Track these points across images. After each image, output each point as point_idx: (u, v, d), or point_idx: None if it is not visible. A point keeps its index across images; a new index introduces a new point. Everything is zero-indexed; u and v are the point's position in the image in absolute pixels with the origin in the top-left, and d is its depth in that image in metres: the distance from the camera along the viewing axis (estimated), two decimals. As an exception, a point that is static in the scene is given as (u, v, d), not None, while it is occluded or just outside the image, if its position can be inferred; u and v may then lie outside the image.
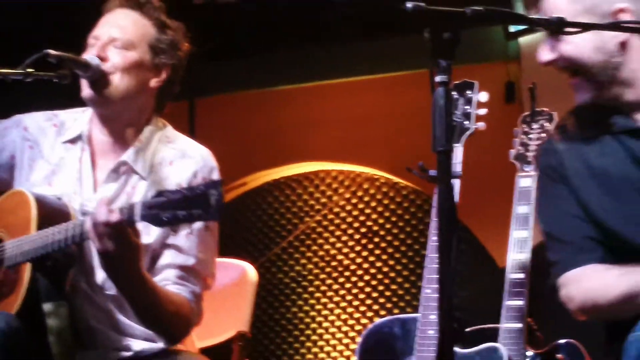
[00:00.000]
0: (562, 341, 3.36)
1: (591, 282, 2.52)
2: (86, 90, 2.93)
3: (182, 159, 3.00)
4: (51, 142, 3.06)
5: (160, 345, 2.91)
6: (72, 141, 3.04)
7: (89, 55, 2.91)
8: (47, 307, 2.80)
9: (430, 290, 3.25)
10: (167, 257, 2.91)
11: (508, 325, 3.31)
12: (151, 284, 2.77)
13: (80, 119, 3.07)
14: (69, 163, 3.01)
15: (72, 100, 3.03)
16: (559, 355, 3.36)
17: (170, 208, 2.47)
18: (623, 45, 2.48)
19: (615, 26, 2.44)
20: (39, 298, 2.80)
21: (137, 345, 2.91)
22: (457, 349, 3.13)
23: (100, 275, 2.85)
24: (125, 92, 2.94)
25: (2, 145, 3.10)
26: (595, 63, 2.49)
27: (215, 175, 3.00)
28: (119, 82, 2.93)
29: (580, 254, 2.58)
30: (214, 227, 2.98)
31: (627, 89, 2.51)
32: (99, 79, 2.91)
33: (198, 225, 2.88)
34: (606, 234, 2.55)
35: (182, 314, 2.86)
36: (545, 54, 2.55)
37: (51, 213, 2.84)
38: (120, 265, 2.65)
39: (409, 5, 2.00)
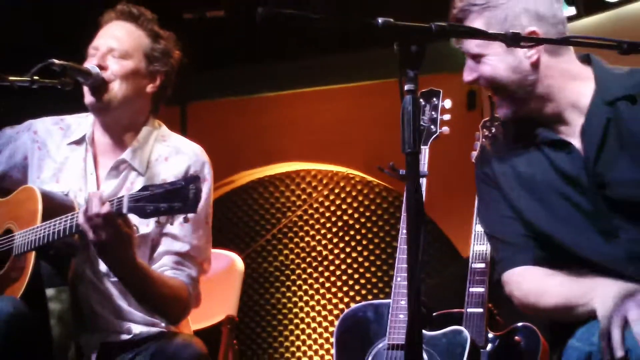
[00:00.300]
0: (519, 324, 3.37)
1: (530, 286, 2.51)
2: (88, 97, 2.92)
3: (176, 155, 3.00)
4: (57, 143, 3.05)
5: (157, 328, 2.90)
6: (77, 142, 3.03)
7: (90, 65, 2.90)
8: (49, 292, 2.80)
9: (400, 279, 3.25)
10: (164, 245, 2.90)
11: (471, 310, 3.32)
12: (147, 269, 2.76)
13: (84, 123, 3.07)
14: (74, 162, 3.01)
15: (74, 105, 3.03)
16: (516, 337, 3.37)
17: (154, 201, 2.48)
18: (536, 65, 2.46)
19: (566, 40, 2.45)
20: (42, 283, 2.80)
21: (137, 329, 2.90)
22: (425, 332, 3.13)
23: (104, 264, 2.84)
24: (124, 97, 2.93)
25: (15, 147, 3.09)
26: (512, 82, 2.47)
27: (207, 170, 3.00)
28: (117, 88, 2.92)
29: (519, 254, 2.57)
30: (208, 217, 2.97)
31: (546, 103, 2.50)
32: (99, 86, 2.90)
33: (192, 215, 2.88)
34: (537, 233, 2.55)
35: (180, 297, 2.85)
36: (467, 75, 2.55)
37: (56, 207, 2.83)
38: (113, 253, 2.65)
39: (380, 21, 2.00)
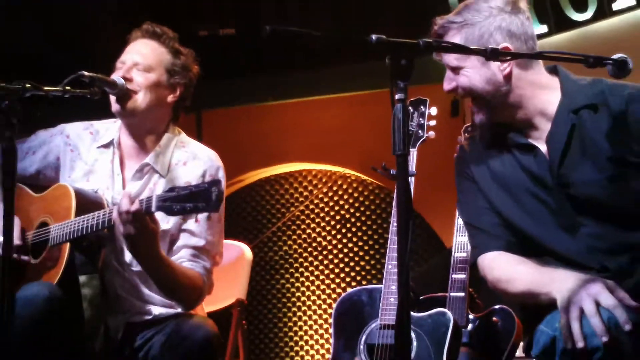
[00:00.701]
0: (497, 307, 3.36)
1: (500, 272, 2.50)
2: (114, 105, 2.93)
3: (193, 160, 2.99)
4: (87, 147, 3.06)
5: (175, 310, 2.91)
6: (105, 146, 3.03)
7: (116, 76, 2.91)
8: (82, 278, 2.81)
9: (391, 266, 3.25)
10: (182, 239, 2.91)
11: (453, 294, 3.32)
12: (167, 261, 2.77)
13: (111, 128, 3.07)
14: (102, 164, 3.01)
15: (100, 112, 3.04)
16: (494, 318, 3.36)
17: (180, 201, 2.49)
18: (509, 76, 2.45)
19: (539, 55, 2.45)
20: (76, 271, 2.81)
21: (156, 310, 2.91)
22: (413, 313, 3.14)
23: (128, 255, 2.85)
24: (147, 106, 2.93)
25: (49, 149, 3.10)
26: (487, 92, 2.47)
27: (221, 173, 3.00)
28: (141, 98, 2.92)
29: (492, 240, 2.57)
30: (220, 215, 2.98)
31: (517, 110, 2.49)
32: (124, 95, 2.91)
33: (207, 214, 2.89)
34: (509, 225, 2.55)
35: (195, 285, 2.86)
36: (446, 85, 2.54)
37: (88, 203, 2.85)
38: (140, 246, 2.66)
39: (373, 37, 2.00)
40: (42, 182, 3.08)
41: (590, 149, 2.45)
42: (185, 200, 2.48)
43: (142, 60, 2.94)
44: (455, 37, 2.48)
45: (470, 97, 2.51)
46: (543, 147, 2.50)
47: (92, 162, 3.02)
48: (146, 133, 3.00)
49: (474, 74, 2.47)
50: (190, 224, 2.89)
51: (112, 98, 2.92)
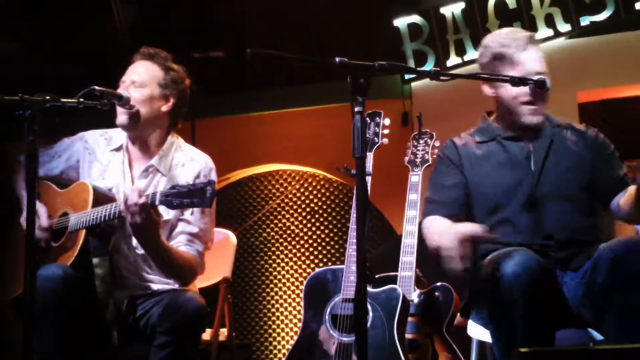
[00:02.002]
0: (438, 284, 3.38)
1: (433, 229, 2.54)
2: (119, 119, 2.94)
3: (190, 162, 2.98)
4: (102, 150, 3.05)
5: (170, 286, 2.89)
6: (117, 150, 3.02)
7: (122, 91, 2.90)
8: (95, 260, 2.79)
9: (351, 250, 3.24)
10: (180, 227, 2.90)
11: (403, 273, 3.32)
12: (167, 245, 2.76)
13: (122, 134, 3.05)
14: (115, 165, 3.00)
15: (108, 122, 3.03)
16: (436, 293, 3.38)
17: (179, 197, 2.50)
18: None
19: (473, 76, 2.47)
20: (89, 254, 2.79)
21: (155, 286, 2.90)
22: (369, 289, 3.14)
23: (134, 240, 2.84)
24: (144, 117, 2.93)
25: (71, 153, 3.08)
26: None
27: (213, 174, 3.00)
28: (139, 111, 2.92)
29: (439, 209, 2.62)
30: (212, 208, 2.96)
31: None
32: (129, 109, 2.90)
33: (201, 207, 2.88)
34: (479, 197, 2.62)
35: (190, 265, 2.85)
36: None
37: (102, 198, 2.84)
38: (144, 233, 2.65)
39: (337, 60, 2.01)
40: (65, 181, 3.07)
41: (563, 151, 2.62)
42: (183, 197, 2.49)
43: (137, 78, 2.94)
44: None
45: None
46: (527, 142, 2.65)
47: (107, 162, 3.02)
48: (148, 139, 2.99)
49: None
50: (187, 214, 2.89)
51: (118, 111, 2.91)
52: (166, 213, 2.81)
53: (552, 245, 2.53)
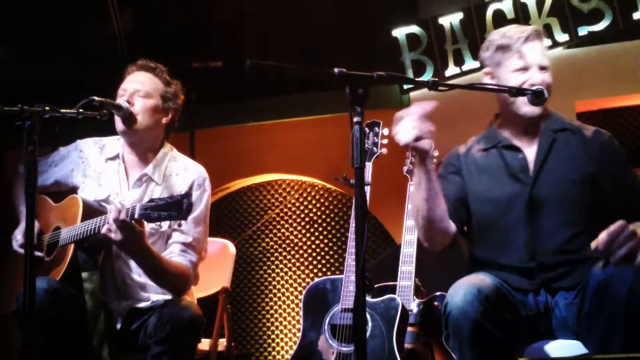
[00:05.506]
0: (437, 293, 3.38)
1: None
2: (119, 125, 2.92)
3: (184, 171, 2.99)
4: (96, 158, 3.06)
5: (168, 296, 2.88)
6: (112, 159, 3.03)
7: (121, 101, 2.91)
8: (84, 274, 2.80)
9: (350, 259, 3.25)
10: (174, 237, 2.90)
11: (402, 283, 3.33)
12: (156, 255, 2.76)
13: (117, 144, 3.06)
14: (110, 173, 3.01)
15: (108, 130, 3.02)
16: (435, 303, 3.38)
17: (157, 210, 2.52)
18: None
19: (471, 86, 2.46)
20: (79, 268, 2.79)
21: (154, 297, 2.90)
22: (368, 299, 3.14)
23: None
24: (146, 126, 2.94)
25: (67, 162, 3.10)
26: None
27: (207, 183, 3.00)
28: (141, 119, 2.92)
29: None
30: (206, 218, 2.96)
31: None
32: (128, 117, 2.90)
33: (195, 215, 2.88)
34: (477, 207, 2.62)
35: (183, 276, 2.84)
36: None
37: (92, 211, 2.85)
38: (129, 247, 2.66)
39: (336, 71, 2.01)
40: (62, 188, 3.10)
41: (562, 160, 2.58)
42: (161, 209, 2.51)
43: (141, 87, 2.94)
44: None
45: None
46: (526, 151, 2.62)
47: (101, 170, 3.03)
48: (145, 149, 3.00)
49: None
50: (181, 224, 2.88)
51: (117, 119, 2.91)
52: (162, 224, 2.80)
53: (540, 266, 2.51)
